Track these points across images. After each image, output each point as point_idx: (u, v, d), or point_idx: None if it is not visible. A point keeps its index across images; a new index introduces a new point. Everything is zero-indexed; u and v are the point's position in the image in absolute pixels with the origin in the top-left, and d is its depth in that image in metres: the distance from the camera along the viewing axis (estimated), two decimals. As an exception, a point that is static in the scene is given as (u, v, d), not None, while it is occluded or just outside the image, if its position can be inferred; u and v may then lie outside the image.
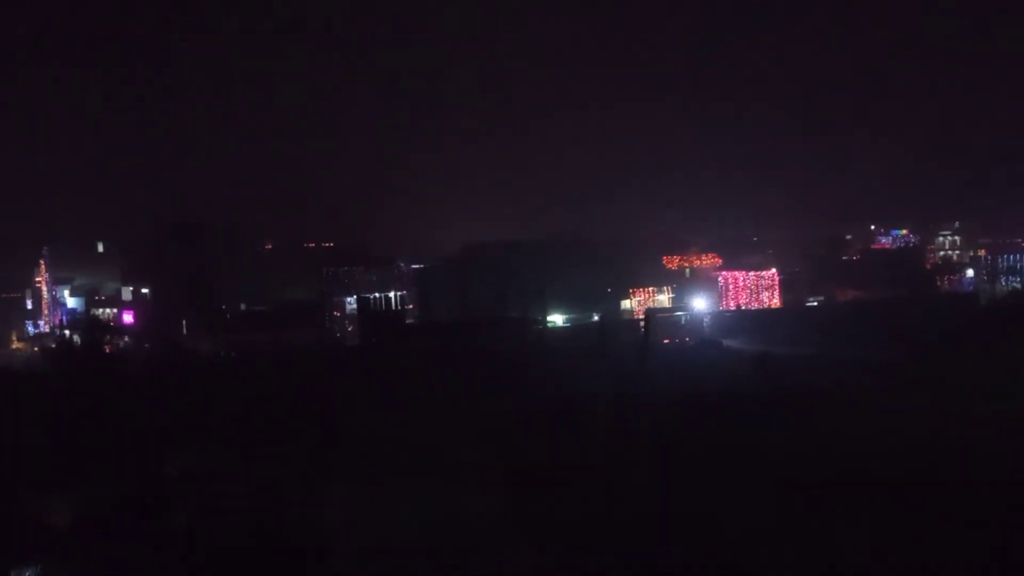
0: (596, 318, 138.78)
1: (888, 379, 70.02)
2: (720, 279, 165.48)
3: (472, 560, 38.78)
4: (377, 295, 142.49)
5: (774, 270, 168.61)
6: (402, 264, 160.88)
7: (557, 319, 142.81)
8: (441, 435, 54.33)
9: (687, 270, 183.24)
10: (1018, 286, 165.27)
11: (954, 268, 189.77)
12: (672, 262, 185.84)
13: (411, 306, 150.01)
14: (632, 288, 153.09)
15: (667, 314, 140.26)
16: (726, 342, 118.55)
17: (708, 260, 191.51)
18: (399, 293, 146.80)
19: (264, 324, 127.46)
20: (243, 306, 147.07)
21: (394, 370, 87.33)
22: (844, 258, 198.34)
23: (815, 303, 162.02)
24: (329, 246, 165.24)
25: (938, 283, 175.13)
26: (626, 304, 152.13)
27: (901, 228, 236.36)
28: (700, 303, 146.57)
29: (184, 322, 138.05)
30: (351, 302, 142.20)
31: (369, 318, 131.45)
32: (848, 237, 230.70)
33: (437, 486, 44.53)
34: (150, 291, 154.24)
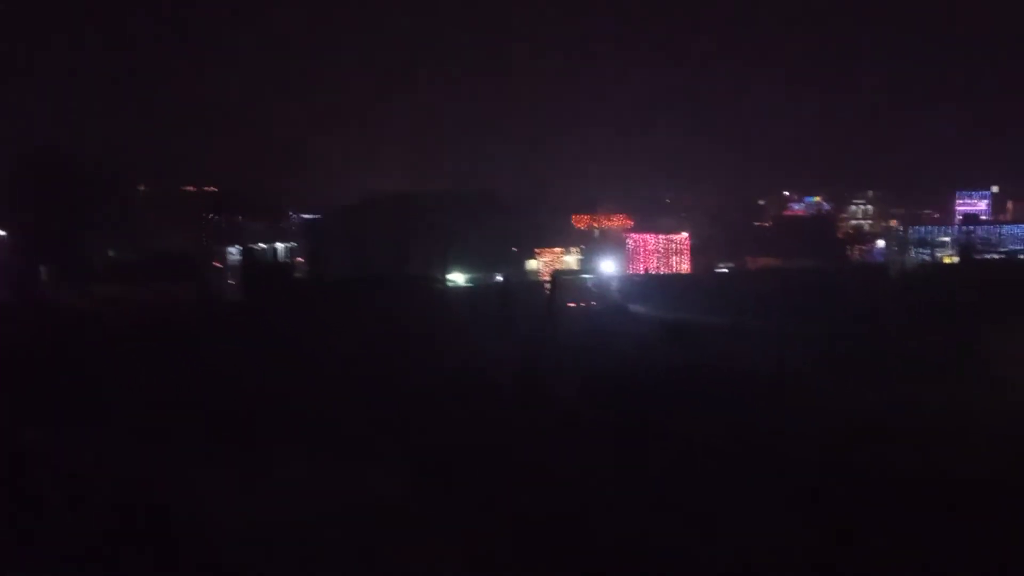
0: (500, 279, 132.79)
1: (795, 352, 67.30)
2: (630, 241, 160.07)
3: (351, 547, 33.26)
4: (264, 246, 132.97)
5: (686, 234, 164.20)
6: (293, 213, 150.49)
7: (459, 278, 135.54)
8: (328, 409, 50.46)
9: (596, 231, 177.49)
10: (927, 258, 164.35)
11: (866, 238, 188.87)
12: (581, 222, 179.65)
13: (301, 259, 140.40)
14: (538, 248, 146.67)
15: (574, 276, 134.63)
16: (634, 307, 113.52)
17: (619, 221, 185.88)
18: (288, 245, 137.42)
19: (135, 275, 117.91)
20: (112, 254, 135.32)
21: (278, 330, 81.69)
22: (757, 224, 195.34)
23: (726, 269, 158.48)
24: (212, 191, 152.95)
25: (849, 253, 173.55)
26: (532, 264, 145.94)
27: (815, 195, 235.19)
28: (609, 266, 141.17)
29: (43, 272, 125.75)
30: (234, 253, 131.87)
31: (253, 271, 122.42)
32: (761, 203, 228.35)
33: (322, 465, 39.90)
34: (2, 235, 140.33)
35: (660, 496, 36.00)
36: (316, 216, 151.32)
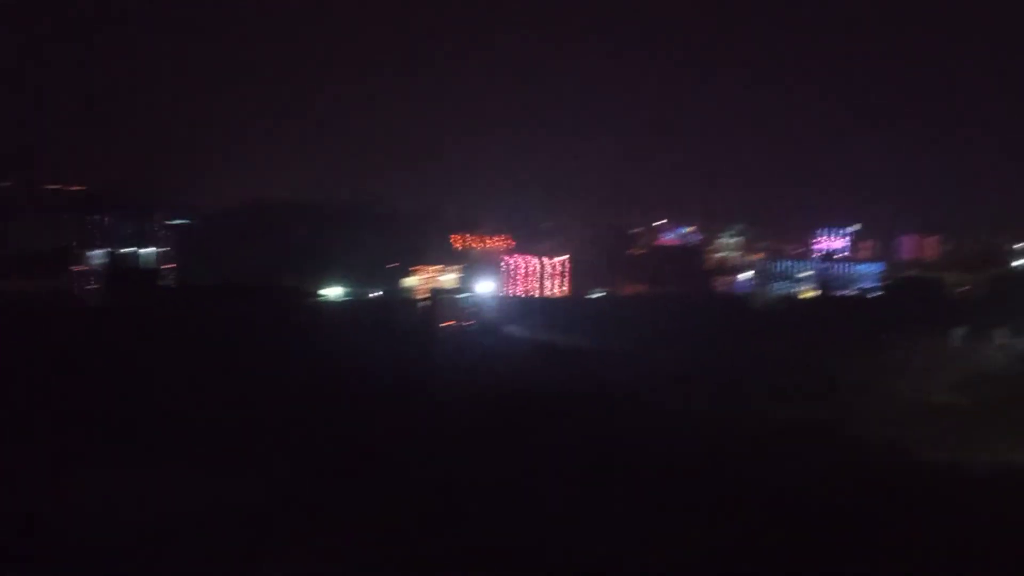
0: (377, 294, 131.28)
1: (661, 375, 69.47)
2: (509, 262, 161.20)
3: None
4: (130, 250, 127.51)
5: (564, 257, 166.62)
6: (163, 218, 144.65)
7: (335, 292, 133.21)
8: (184, 420, 50.06)
9: (476, 250, 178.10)
10: (789, 291, 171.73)
11: (732, 269, 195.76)
12: (461, 241, 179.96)
13: (171, 265, 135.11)
14: (416, 265, 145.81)
15: (451, 295, 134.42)
16: (509, 328, 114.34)
17: (499, 241, 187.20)
18: (157, 250, 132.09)
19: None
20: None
21: (138, 338, 78.62)
22: (631, 251, 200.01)
23: (600, 294, 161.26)
24: (78, 190, 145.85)
25: (716, 283, 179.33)
26: (409, 281, 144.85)
27: (687, 226, 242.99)
28: (487, 286, 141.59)
29: None
30: (97, 257, 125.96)
31: (115, 276, 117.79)
32: (637, 231, 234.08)
33: (170, 477, 39.32)
34: None
35: (523, 500, 36.55)
36: (188, 221, 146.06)
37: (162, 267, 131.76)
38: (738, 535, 33.05)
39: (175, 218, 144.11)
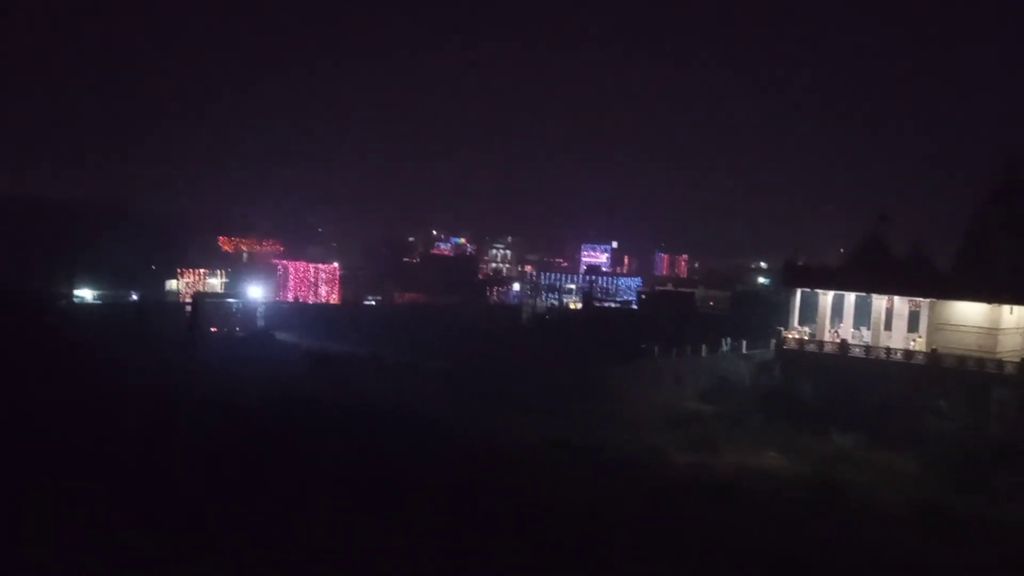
0: (135, 298, 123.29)
1: (435, 385, 70.09)
2: (279, 268, 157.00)
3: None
4: None
5: (336, 264, 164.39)
6: None
7: (87, 295, 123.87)
8: None
9: (245, 254, 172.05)
10: (556, 302, 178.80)
11: (503, 280, 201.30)
12: (229, 244, 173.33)
13: None
14: (181, 267, 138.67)
15: (218, 300, 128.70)
16: (280, 335, 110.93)
17: (269, 246, 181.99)
18: None
19: None
20: None
21: None
22: (405, 259, 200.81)
23: (373, 302, 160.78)
24: None
25: (488, 294, 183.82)
26: (172, 285, 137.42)
27: (460, 236, 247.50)
28: (256, 291, 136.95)
29: None
30: None
31: None
32: (411, 239, 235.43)
33: None
34: None
35: (282, 518, 35.77)
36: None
37: None
38: (479, 547, 33.97)
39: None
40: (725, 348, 78.03)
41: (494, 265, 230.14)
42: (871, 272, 70.04)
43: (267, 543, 33.63)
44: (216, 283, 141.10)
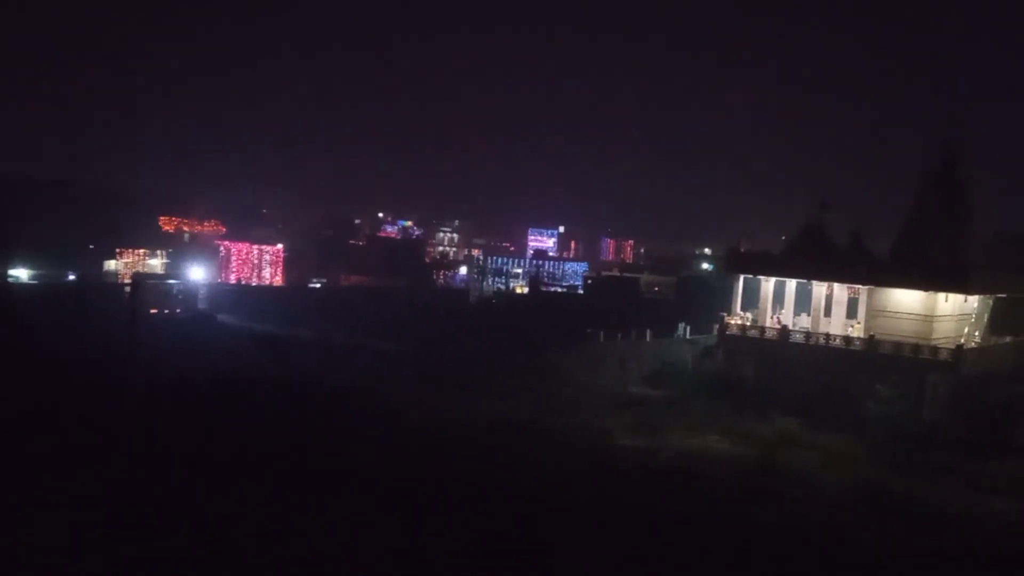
0: (72, 278, 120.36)
1: (381, 366, 69.75)
2: (222, 249, 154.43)
3: None
4: None
5: (280, 246, 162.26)
6: None
7: (22, 274, 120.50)
8: None
9: (186, 235, 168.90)
10: (503, 286, 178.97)
11: (450, 264, 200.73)
12: (170, 224, 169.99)
13: None
14: (119, 247, 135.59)
15: (158, 281, 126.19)
16: (222, 317, 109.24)
17: (211, 227, 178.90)
18: None
19: None
20: None
21: None
22: (351, 242, 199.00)
23: (318, 284, 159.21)
24: None
25: (435, 277, 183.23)
26: (111, 265, 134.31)
27: (407, 219, 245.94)
28: (198, 272, 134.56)
29: None
30: None
31: None
32: (357, 221, 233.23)
33: None
34: None
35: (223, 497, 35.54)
36: None
37: None
38: (433, 531, 33.98)
39: None
40: (679, 333, 78.80)
41: (441, 248, 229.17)
42: (811, 259, 71.17)
43: (207, 522, 33.27)
44: (156, 264, 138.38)
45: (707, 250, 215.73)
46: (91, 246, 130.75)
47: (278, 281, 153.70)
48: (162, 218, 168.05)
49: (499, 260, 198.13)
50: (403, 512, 35.50)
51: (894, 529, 39.00)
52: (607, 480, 43.67)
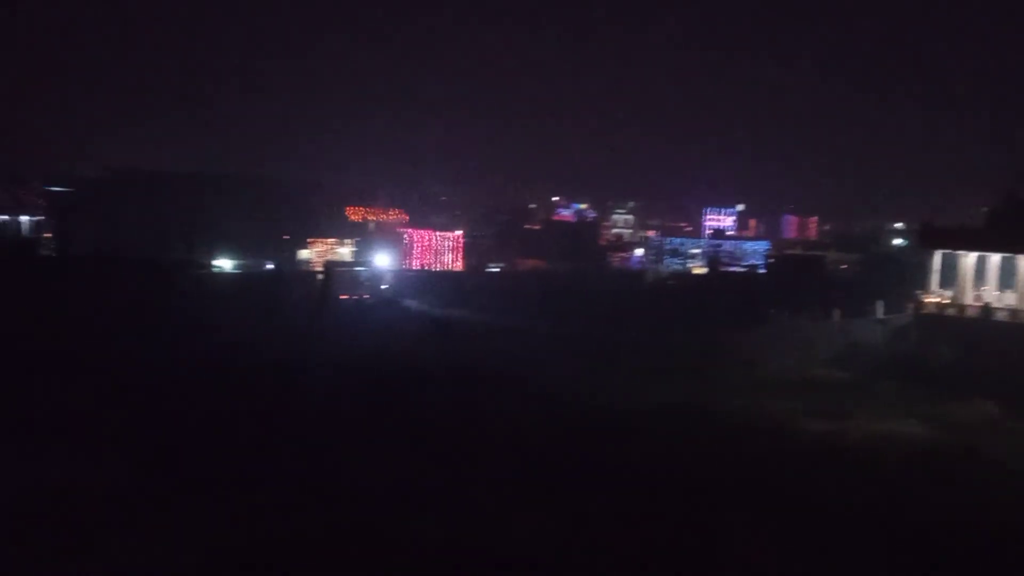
0: (271, 267, 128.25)
1: (559, 349, 70.37)
2: (405, 236, 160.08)
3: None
4: (7, 218, 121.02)
5: (460, 232, 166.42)
6: (39, 185, 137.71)
7: (225, 264, 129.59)
8: (66, 398, 47.62)
9: (372, 223, 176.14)
10: (679, 267, 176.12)
11: (626, 246, 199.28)
12: (357, 213, 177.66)
13: (49, 235, 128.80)
14: (311, 237, 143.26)
15: (347, 268, 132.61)
16: (407, 302, 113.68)
17: (395, 215, 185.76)
18: (34, 219, 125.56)
19: None
20: None
21: (17, 313, 74.80)
22: (527, 226, 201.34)
23: (496, 269, 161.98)
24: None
25: (610, 259, 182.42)
26: (304, 254, 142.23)
27: (582, 202, 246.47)
28: (383, 259, 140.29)
29: None
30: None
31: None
32: (532, 206, 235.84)
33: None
34: None
35: (402, 480, 37.01)
36: (67, 190, 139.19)
37: (42, 236, 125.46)
38: (605, 514, 34.08)
39: (53, 186, 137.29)
40: (879, 314, 74.85)
41: (616, 230, 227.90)
42: (1017, 232, 66.12)
43: (387, 495, 34.98)
44: (345, 252, 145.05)
45: (897, 225, 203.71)
46: (286, 237, 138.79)
47: (458, 266, 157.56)
48: (349, 208, 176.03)
49: (675, 241, 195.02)
50: (577, 493, 36.03)
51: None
52: (790, 464, 42.32)
